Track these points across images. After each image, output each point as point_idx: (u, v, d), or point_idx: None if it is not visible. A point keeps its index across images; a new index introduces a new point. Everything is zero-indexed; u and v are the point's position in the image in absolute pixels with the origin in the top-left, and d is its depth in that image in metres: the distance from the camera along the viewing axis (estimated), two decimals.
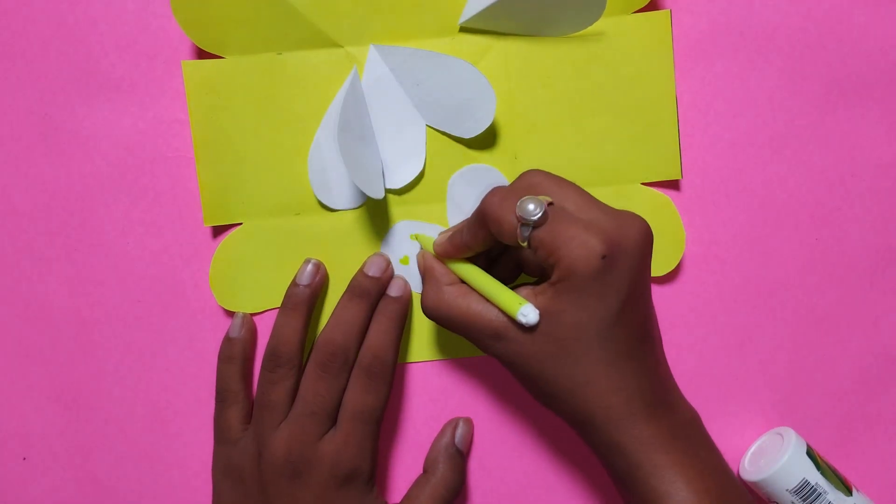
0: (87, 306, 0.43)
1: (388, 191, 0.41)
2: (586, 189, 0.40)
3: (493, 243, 0.36)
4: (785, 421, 0.42)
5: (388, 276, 0.40)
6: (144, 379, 0.43)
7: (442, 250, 0.38)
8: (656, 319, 0.36)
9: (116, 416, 0.43)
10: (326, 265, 0.42)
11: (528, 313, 0.32)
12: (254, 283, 0.42)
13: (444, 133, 0.41)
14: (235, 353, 0.41)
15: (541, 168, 0.40)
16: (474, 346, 0.36)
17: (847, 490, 0.39)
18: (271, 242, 0.42)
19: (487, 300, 0.35)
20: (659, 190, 0.41)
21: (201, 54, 0.41)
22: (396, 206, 0.41)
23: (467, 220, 0.37)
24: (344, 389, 0.39)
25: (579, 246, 0.32)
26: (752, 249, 0.42)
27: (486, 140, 0.41)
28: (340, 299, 0.39)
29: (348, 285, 0.40)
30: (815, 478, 0.39)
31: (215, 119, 0.41)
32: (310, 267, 0.41)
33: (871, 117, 0.41)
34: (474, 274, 0.36)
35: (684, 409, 0.35)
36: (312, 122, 0.41)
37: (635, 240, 0.33)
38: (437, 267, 0.38)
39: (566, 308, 0.32)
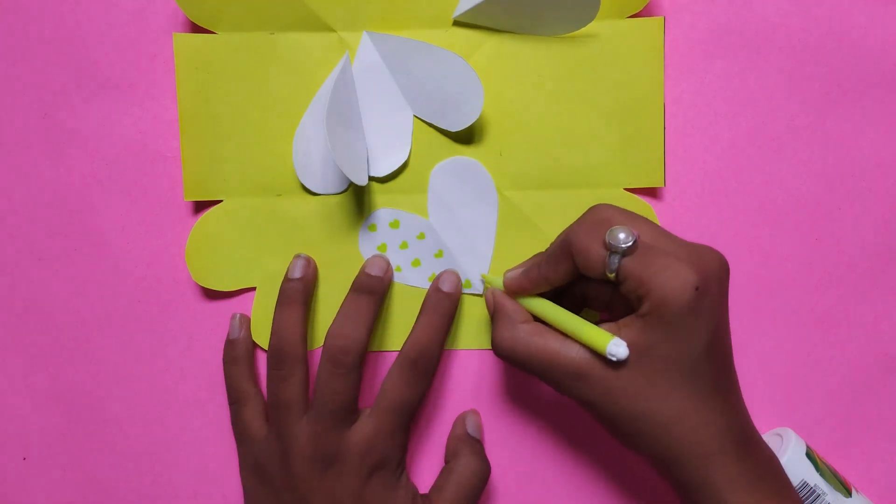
0: (87, 306, 0.43)
1: (370, 178, 0.41)
2: (568, 191, 0.41)
3: (573, 277, 0.35)
4: (784, 421, 0.42)
5: (388, 276, 0.40)
6: (144, 379, 0.43)
7: (517, 285, 0.37)
8: (732, 354, 0.35)
9: (116, 416, 0.43)
10: (305, 248, 0.42)
11: (618, 347, 0.32)
12: (230, 262, 0.42)
13: (430, 125, 0.41)
14: (239, 354, 0.41)
15: (525, 167, 0.40)
16: (552, 387, 0.35)
17: (846, 491, 0.39)
18: (251, 222, 0.42)
19: (566, 338, 0.34)
20: (645, 197, 0.41)
21: (195, 31, 0.41)
22: (378, 194, 0.42)
23: (544, 253, 0.36)
24: (358, 383, 0.38)
25: (673, 277, 0.31)
26: (752, 249, 0.42)
27: (473, 135, 0.41)
28: (346, 297, 0.39)
29: (352, 285, 0.40)
30: (815, 479, 0.39)
31: (203, 94, 0.41)
32: (300, 261, 0.41)
33: (871, 117, 0.41)
34: (552, 310, 0.35)
35: (764, 447, 0.35)
36: (300, 105, 0.41)
37: (718, 271, 0.33)
38: (510, 305, 0.37)
39: (656, 341, 0.32)
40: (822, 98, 0.41)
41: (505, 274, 0.38)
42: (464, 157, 0.41)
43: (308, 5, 0.40)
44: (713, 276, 0.32)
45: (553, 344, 0.34)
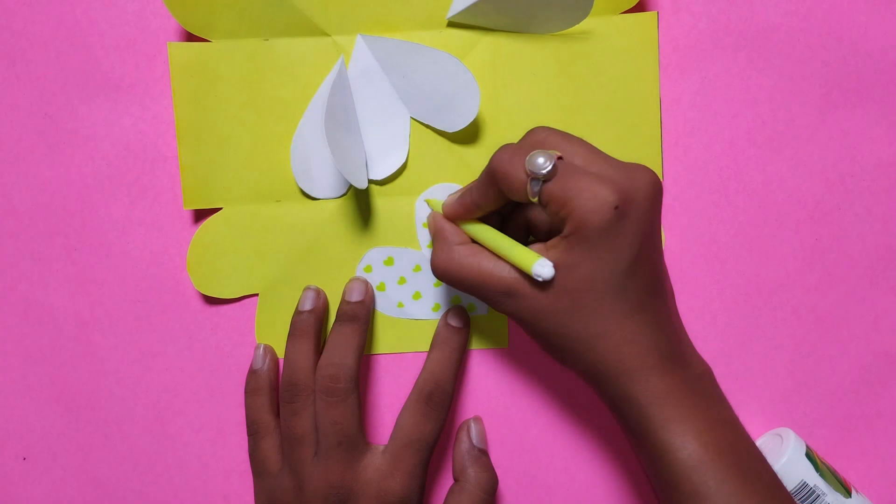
0: (87, 306, 0.43)
1: (369, 181, 0.41)
2: None
3: (504, 202, 0.35)
4: (784, 422, 0.42)
5: (369, 297, 0.41)
6: (144, 379, 0.43)
7: (451, 211, 0.37)
8: (667, 273, 0.36)
9: (116, 416, 0.43)
10: (306, 253, 0.42)
11: (543, 268, 0.32)
12: (232, 269, 0.42)
13: (428, 126, 0.41)
14: (262, 385, 0.41)
15: None
16: (486, 303, 0.36)
17: (846, 491, 0.39)
18: (250, 229, 0.42)
19: (499, 258, 0.35)
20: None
21: (190, 40, 0.41)
22: (378, 197, 0.42)
23: (477, 179, 0.36)
24: (356, 410, 0.38)
25: (591, 198, 0.32)
26: (752, 249, 0.42)
27: (470, 134, 0.41)
28: (332, 328, 0.39)
29: (336, 315, 0.40)
30: (814, 479, 0.39)
31: (199, 102, 0.41)
32: (310, 293, 0.41)
33: (871, 117, 0.41)
34: (485, 232, 0.36)
35: (697, 362, 0.35)
36: (297, 110, 0.41)
37: (646, 191, 0.33)
38: (448, 227, 0.37)
39: (579, 261, 0.32)
40: (822, 98, 0.41)
41: (444, 199, 0.38)
42: (445, 183, 0.41)
43: (302, 10, 0.40)
44: (637, 196, 0.32)
45: (486, 263, 0.35)
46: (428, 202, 0.40)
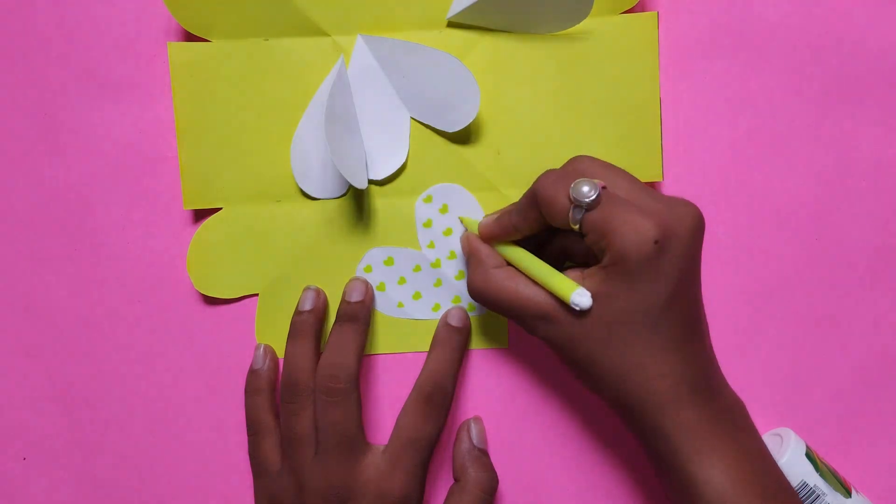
0: (87, 306, 0.43)
1: (369, 181, 0.41)
2: None
3: (542, 227, 0.35)
4: (784, 422, 0.42)
5: (369, 297, 0.40)
6: (144, 379, 0.43)
7: (488, 232, 0.38)
8: (703, 307, 0.36)
9: (116, 416, 0.43)
10: (306, 253, 0.42)
11: (581, 297, 0.32)
12: (231, 269, 0.42)
13: (428, 126, 0.41)
14: (262, 385, 0.41)
15: (523, 165, 0.40)
16: (521, 326, 0.36)
17: (846, 492, 0.39)
18: (250, 229, 0.42)
19: (535, 283, 0.35)
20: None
21: (190, 40, 0.41)
22: (377, 197, 0.42)
23: (517, 202, 0.37)
24: (356, 410, 0.38)
25: (632, 230, 0.32)
26: (753, 249, 0.42)
27: (470, 135, 0.41)
28: (332, 328, 0.39)
29: (336, 315, 0.40)
30: (814, 479, 0.39)
31: (199, 102, 0.41)
32: (310, 293, 0.41)
33: (871, 117, 0.41)
34: (523, 256, 0.36)
35: (727, 394, 0.35)
36: (297, 110, 0.41)
37: (688, 225, 0.33)
38: (484, 249, 0.38)
39: (617, 292, 0.33)
40: (822, 98, 0.41)
41: (480, 220, 0.39)
42: (444, 183, 0.41)
43: (301, 10, 0.40)
44: (679, 231, 0.32)
45: (523, 289, 0.35)
46: (462, 220, 0.41)
